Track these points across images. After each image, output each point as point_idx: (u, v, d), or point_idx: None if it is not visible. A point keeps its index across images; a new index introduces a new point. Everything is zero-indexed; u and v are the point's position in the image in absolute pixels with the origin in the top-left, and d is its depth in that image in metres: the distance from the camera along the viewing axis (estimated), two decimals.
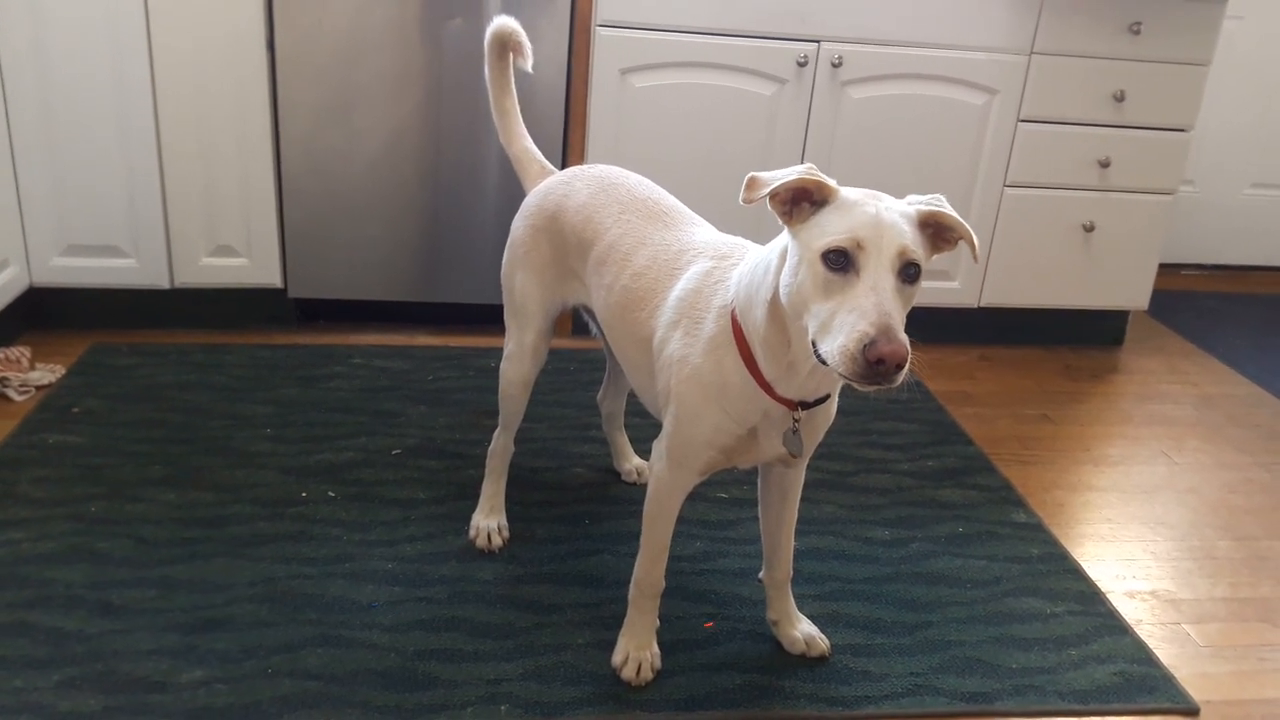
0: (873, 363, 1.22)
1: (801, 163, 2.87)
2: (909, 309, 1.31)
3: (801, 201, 1.35)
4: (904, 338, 1.24)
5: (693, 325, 1.52)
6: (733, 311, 1.49)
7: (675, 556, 2.00)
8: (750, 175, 1.38)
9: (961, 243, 1.39)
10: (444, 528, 2.06)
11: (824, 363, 1.29)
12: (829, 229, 1.30)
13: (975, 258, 1.42)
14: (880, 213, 1.30)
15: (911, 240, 1.30)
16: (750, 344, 1.47)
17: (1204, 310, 3.70)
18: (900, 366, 1.23)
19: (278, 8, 2.58)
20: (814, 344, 1.31)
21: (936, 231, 1.38)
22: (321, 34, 2.62)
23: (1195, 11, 2.89)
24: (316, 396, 2.53)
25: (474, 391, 2.62)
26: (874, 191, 1.35)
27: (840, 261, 1.28)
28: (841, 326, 1.25)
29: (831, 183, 1.33)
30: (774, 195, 1.34)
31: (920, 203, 1.37)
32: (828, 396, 1.53)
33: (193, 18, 2.53)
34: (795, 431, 1.53)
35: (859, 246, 1.27)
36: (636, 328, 1.63)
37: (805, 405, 1.51)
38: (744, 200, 1.36)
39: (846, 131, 2.88)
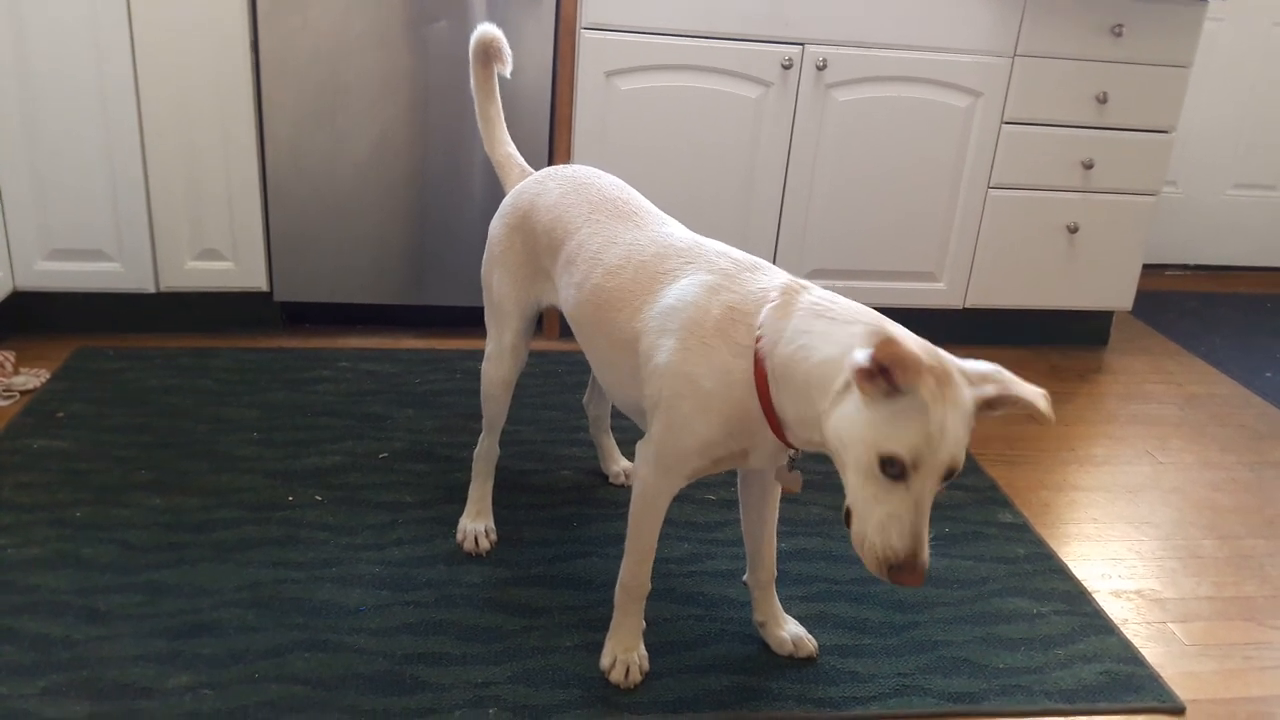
0: (890, 576, 1.29)
1: (786, 165, 2.89)
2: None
3: (878, 377, 1.25)
4: (926, 558, 1.29)
5: (696, 343, 1.48)
6: (760, 353, 1.44)
7: (663, 558, 2.00)
8: (888, 337, 1.22)
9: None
10: (431, 531, 2.05)
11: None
12: (894, 433, 1.26)
13: (1048, 418, 1.35)
14: (945, 421, 1.26)
15: (965, 446, 1.30)
16: (774, 398, 1.44)
17: (1187, 310, 3.73)
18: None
19: (261, 9, 2.57)
20: (848, 508, 1.33)
21: (990, 404, 1.34)
22: (305, 35, 2.61)
23: (1176, 13, 2.91)
24: (303, 400, 2.52)
25: (461, 394, 2.61)
26: (945, 368, 1.28)
27: (893, 469, 1.27)
28: (877, 525, 1.29)
29: (929, 380, 1.24)
30: (866, 373, 1.24)
31: (987, 387, 1.33)
32: None
33: (176, 20, 2.52)
34: (792, 468, 1.55)
35: (914, 463, 1.26)
36: (613, 329, 1.62)
37: None
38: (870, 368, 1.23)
39: (831, 134, 2.88)
